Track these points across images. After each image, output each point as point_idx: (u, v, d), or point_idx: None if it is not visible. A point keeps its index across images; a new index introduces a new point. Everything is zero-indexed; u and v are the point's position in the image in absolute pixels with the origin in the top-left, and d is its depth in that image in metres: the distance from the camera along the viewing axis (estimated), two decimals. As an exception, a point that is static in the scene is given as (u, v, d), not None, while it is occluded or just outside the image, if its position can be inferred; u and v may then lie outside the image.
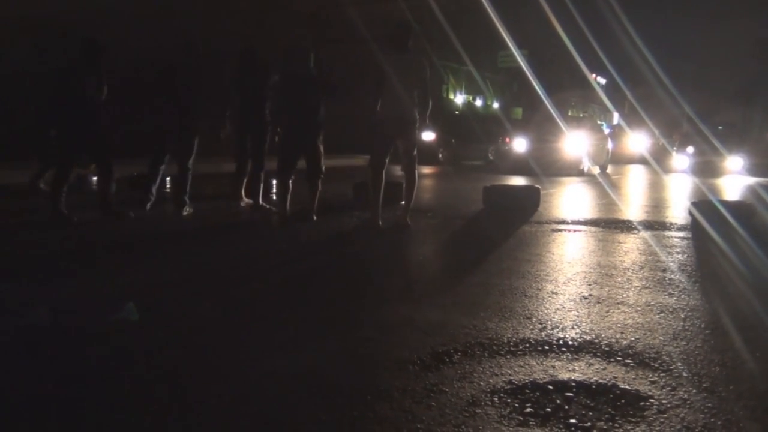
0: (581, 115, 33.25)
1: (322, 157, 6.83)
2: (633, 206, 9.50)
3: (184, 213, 7.08)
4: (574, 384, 2.53)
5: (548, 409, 2.31)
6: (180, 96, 7.06)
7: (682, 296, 3.94)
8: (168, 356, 2.84)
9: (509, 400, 2.38)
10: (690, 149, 20.05)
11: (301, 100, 6.62)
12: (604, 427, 2.19)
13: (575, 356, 2.84)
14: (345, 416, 2.26)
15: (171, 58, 7.42)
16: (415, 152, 6.42)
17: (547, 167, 15.50)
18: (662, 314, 3.53)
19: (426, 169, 8.47)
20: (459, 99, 34.67)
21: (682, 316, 3.49)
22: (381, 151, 6.41)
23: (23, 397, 2.41)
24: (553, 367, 2.72)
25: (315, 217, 6.80)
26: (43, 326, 3.07)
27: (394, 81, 6.15)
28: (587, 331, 3.20)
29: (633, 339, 3.08)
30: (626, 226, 6.93)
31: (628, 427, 2.19)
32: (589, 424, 2.20)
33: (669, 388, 2.50)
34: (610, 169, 19.01)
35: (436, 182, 13.05)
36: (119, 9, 18.32)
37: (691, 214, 7.18)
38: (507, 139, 20.92)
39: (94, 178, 8.56)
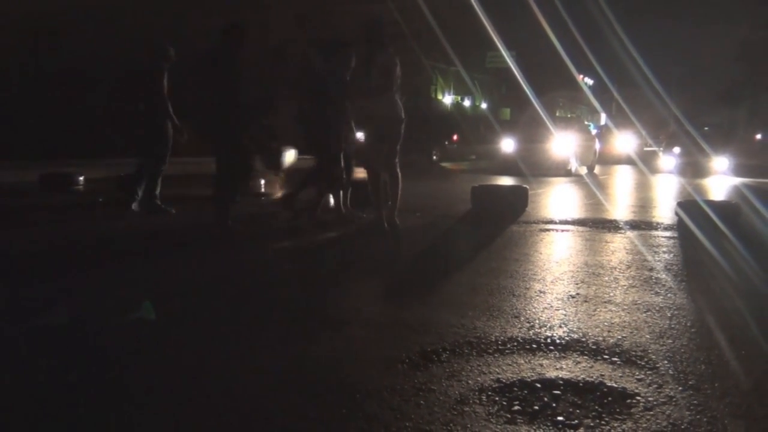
0: (569, 115, 33.42)
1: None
2: (620, 206, 9.55)
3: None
4: (561, 382, 2.54)
5: (536, 407, 2.32)
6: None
7: (669, 295, 3.98)
8: (157, 355, 2.83)
9: (497, 398, 2.39)
10: (676, 150, 20.17)
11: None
12: (591, 424, 2.20)
13: (563, 354, 2.86)
14: (334, 414, 2.26)
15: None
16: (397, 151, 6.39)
17: (534, 168, 15.57)
18: (648, 313, 3.56)
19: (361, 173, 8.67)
20: (447, 99, 34.73)
21: (668, 315, 3.52)
22: (377, 151, 6.37)
23: (30, 394, 2.40)
24: (541, 365, 2.73)
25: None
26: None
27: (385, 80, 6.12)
28: (574, 329, 3.22)
29: (620, 337, 3.10)
30: (613, 226, 6.97)
31: (615, 425, 2.20)
32: (576, 421, 2.22)
33: (655, 386, 2.53)
34: (597, 170, 19.12)
35: (424, 183, 13.05)
36: (102, 6, 18.27)
37: (677, 214, 7.23)
38: (455, 138, 20.61)
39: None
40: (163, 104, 7.17)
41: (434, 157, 21.14)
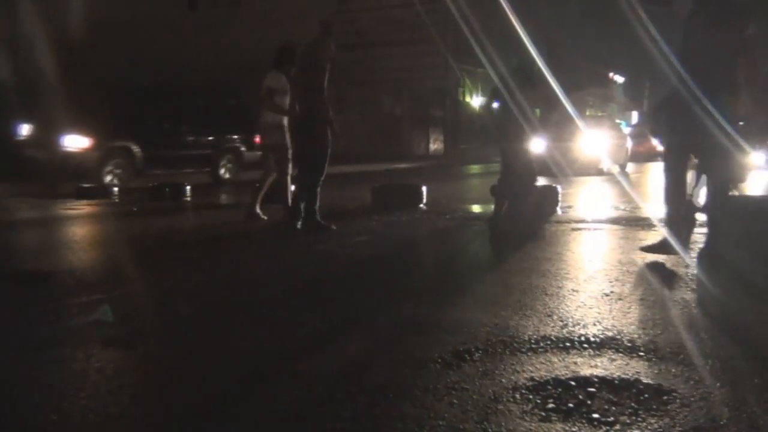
0: (599, 114, 33.03)
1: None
2: (653, 204, 9.39)
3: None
4: (596, 379, 2.52)
5: (570, 405, 2.31)
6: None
7: (704, 291, 3.91)
8: (197, 357, 2.88)
9: (531, 396, 2.38)
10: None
11: None
12: (627, 421, 2.18)
13: (597, 352, 2.83)
14: (367, 414, 2.27)
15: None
16: None
17: (565, 167, 15.41)
18: (684, 309, 3.50)
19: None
20: (476, 101, 34.63)
21: (704, 312, 3.46)
22: None
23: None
24: (575, 363, 2.71)
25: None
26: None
27: None
28: (609, 327, 3.18)
29: (655, 334, 3.06)
30: (646, 224, 6.88)
31: (652, 421, 2.18)
32: (612, 418, 2.20)
33: (692, 382, 2.49)
34: (629, 168, 18.87)
35: (451, 184, 12.97)
36: (112, 20, 18.65)
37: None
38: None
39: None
40: (325, 106, 6.28)
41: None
